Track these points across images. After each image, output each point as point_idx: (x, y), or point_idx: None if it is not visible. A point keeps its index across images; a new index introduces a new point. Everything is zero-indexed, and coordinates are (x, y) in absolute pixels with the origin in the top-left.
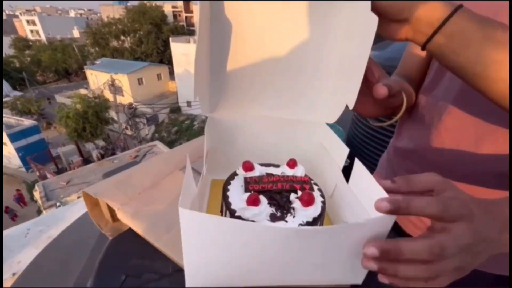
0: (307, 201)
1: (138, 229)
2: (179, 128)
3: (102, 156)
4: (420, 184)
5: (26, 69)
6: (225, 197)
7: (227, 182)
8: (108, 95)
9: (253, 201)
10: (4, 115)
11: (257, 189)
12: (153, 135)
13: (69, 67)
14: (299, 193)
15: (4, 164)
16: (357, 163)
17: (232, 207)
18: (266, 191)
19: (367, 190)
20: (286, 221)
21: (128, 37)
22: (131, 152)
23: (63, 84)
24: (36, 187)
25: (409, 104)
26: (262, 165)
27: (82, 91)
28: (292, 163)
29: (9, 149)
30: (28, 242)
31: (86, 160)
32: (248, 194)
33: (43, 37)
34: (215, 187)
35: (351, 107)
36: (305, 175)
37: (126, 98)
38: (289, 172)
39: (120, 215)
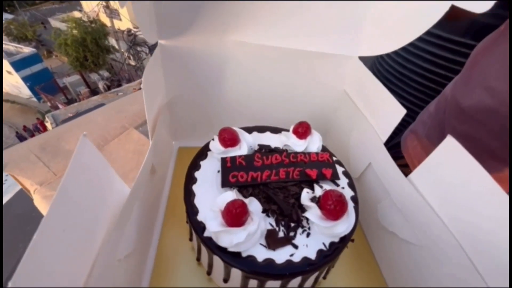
0: (335, 212)
1: None
2: None
3: (109, 88)
4: None
5: None
6: (188, 196)
7: (194, 164)
8: (105, 19)
9: (236, 217)
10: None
11: (243, 181)
12: None
13: None
14: (317, 189)
15: (15, 93)
16: (450, 140)
17: (199, 218)
18: (259, 186)
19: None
20: (296, 246)
21: None
22: (134, 84)
23: (55, 5)
24: (47, 118)
25: None
26: (251, 129)
27: (76, 13)
28: (303, 130)
29: (16, 79)
30: (4, 192)
31: (94, 91)
32: (228, 196)
33: None
34: (183, 158)
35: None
36: (323, 148)
37: (124, 23)
38: (297, 145)
39: (37, 199)
